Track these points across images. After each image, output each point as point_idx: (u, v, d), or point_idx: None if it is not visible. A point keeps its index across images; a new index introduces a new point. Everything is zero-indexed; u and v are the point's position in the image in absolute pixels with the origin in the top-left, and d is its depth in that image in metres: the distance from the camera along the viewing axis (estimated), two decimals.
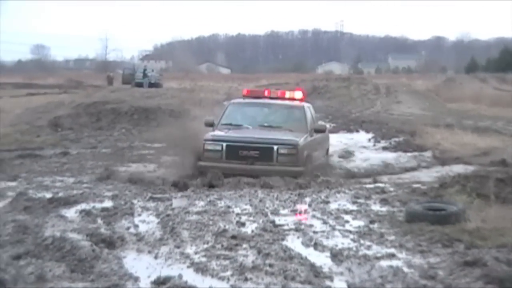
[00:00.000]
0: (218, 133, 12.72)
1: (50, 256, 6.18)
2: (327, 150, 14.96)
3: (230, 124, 13.17)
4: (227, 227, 7.61)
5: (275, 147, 11.96)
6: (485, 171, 10.49)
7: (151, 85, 53.62)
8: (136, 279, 5.66)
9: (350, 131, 22.59)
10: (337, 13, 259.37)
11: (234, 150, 12.04)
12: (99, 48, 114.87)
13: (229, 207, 8.88)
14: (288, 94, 14.33)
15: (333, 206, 9.23)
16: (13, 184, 11.13)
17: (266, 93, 14.48)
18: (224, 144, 12.11)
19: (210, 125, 13.04)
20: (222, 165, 11.89)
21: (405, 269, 6.01)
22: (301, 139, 12.35)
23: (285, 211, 8.82)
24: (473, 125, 22.25)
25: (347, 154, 16.09)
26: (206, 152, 12.20)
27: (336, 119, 27.42)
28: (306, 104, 14.08)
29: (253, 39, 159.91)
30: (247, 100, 14.39)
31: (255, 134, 12.52)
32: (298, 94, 14.36)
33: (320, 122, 15.17)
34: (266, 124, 13.18)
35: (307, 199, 9.70)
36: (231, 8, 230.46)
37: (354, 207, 9.17)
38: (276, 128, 13.01)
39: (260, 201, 9.41)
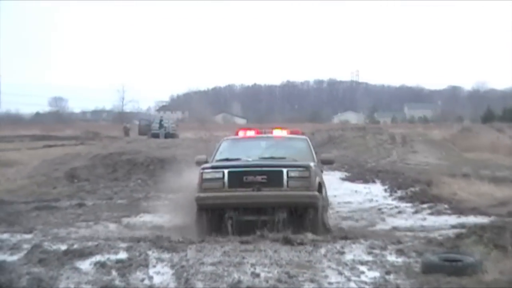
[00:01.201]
0: (217, 162, 11.74)
1: None
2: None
3: (227, 159, 11.97)
4: (242, 278, 7.57)
5: (285, 170, 10.85)
6: (503, 221, 10.43)
7: (167, 135, 54.14)
8: None
9: (366, 181, 22.48)
10: (353, 63, 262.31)
11: (238, 176, 10.88)
12: (116, 100, 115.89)
13: (243, 257, 8.83)
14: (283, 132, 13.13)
15: (348, 256, 9.16)
16: (28, 236, 11.16)
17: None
18: (226, 171, 10.93)
19: (204, 163, 11.79)
20: (224, 194, 10.83)
21: None
22: (311, 163, 11.34)
23: (300, 261, 8.76)
24: (491, 175, 22.09)
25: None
26: (205, 182, 10.99)
27: (352, 169, 27.33)
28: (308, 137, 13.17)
29: (269, 89, 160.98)
30: (242, 136, 13.29)
31: (261, 161, 11.54)
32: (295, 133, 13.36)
33: (327, 154, 14.23)
34: (267, 156, 12.04)
35: (322, 250, 9.63)
36: (247, 58, 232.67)
37: (370, 258, 9.07)
38: (279, 159, 11.81)
39: (275, 251, 9.35)
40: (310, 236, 10.33)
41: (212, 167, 11.20)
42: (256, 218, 10.69)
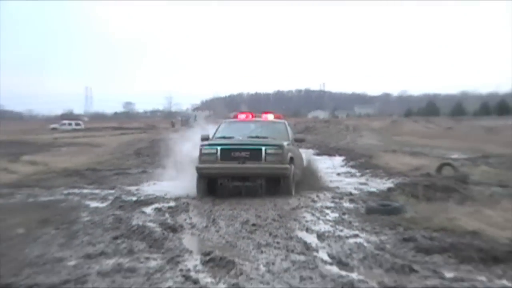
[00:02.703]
0: (215, 140, 10.68)
1: (136, 237, 6.28)
2: (302, 163, 11.96)
3: (224, 137, 10.81)
4: (249, 218, 7.63)
5: (263, 148, 9.83)
6: (416, 180, 10.48)
7: None
8: (191, 252, 5.73)
9: (330, 155, 22.54)
10: (320, 76, 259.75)
11: (228, 152, 9.85)
12: (166, 103, 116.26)
13: (250, 205, 8.86)
14: (269, 116, 12.13)
15: (318, 204, 9.22)
16: (112, 191, 11.22)
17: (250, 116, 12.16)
18: (219, 148, 9.91)
19: (206, 139, 10.70)
20: (217, 165, 9.82)
21: (365, 244, 6.02)
22: (285, 143, 10.29)
23: (286, 208, 8.81)
24: (410, 151, 22.11)
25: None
26: (203, 156, 9.95)
27: (320, 147, 27.34)
28: (286, 121, 12.10)
29: (265, 96, 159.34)
30: (237, 119, 12.16)
31: (245, 140, 10.46)
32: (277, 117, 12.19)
33: (300, 134, 13.03)
34: (254, 135, 10.91)
35: (302, 200, 9.62)
36: (251, 72, 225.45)
37: (332, 205, 9.13)
38: (263, 138, 10.64)
39: (271, 202, 9.35)
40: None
41: (209, 144, 10.17)
42: (242, 184, 9.94)
